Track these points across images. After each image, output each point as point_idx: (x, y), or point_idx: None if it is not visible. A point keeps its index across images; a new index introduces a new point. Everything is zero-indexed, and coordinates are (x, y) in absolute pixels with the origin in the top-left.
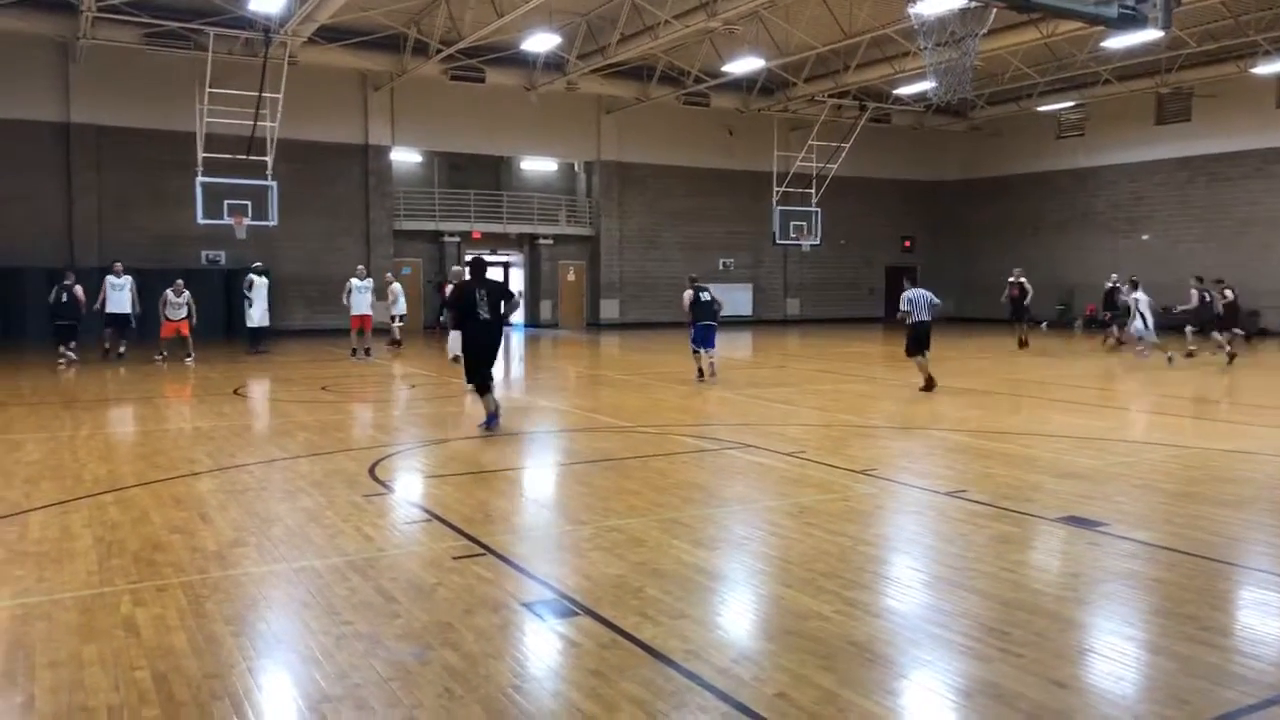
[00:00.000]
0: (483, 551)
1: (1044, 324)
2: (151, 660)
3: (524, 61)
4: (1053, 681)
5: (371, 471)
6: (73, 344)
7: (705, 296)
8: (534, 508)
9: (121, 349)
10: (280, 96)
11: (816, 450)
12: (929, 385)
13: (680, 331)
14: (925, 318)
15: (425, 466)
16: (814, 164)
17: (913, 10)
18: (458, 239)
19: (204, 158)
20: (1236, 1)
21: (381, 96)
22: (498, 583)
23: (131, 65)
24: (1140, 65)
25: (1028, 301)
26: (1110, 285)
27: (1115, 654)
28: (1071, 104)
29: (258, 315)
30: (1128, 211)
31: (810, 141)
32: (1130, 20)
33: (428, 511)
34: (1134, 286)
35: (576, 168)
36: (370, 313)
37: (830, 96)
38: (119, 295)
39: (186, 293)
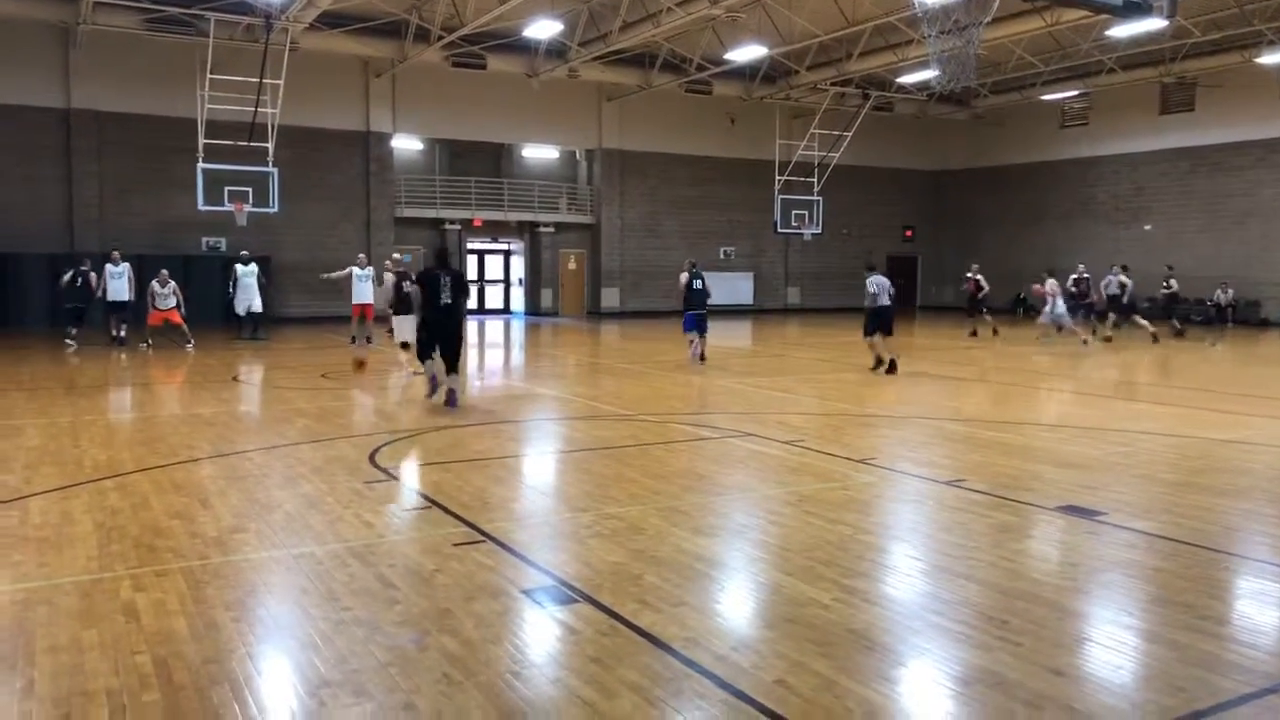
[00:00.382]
0: (482, 538)
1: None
2: (151, 645)
3: (525, 48)
4: (1051, 670)
5: (372, 458)
6: (76, 329)
7: (698, 284)
8: (534, 495)
9: (122, 334)
10: (281, 83)
11: (816, 439)
12: (880, 365)
13: (681, 321)
14: (887, 303)
15: (425, 453)
16: (816, 152)
17: None
18: (459, 226)
19: (205, 144)
20: None
21: (383, 83)
22: (497, 569)
23: (132, 51)
24: (1145, 55)
25: (982, 296)
26: (1077, 275)
27: (1113, 643)
28: (1075, 93)
29: (242, 303)
30: (1129, 201)
31: (812, 130)
32: (1135, 8)
33: (428, 498)
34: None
35: (578, 155)
36: (371, 301)
37: (833, 85)
38: (117, 284)
39: (172, 282)
